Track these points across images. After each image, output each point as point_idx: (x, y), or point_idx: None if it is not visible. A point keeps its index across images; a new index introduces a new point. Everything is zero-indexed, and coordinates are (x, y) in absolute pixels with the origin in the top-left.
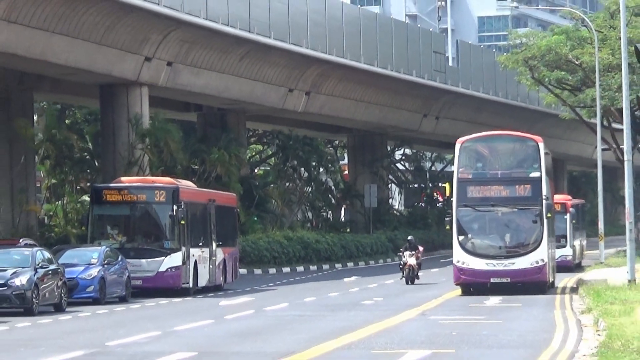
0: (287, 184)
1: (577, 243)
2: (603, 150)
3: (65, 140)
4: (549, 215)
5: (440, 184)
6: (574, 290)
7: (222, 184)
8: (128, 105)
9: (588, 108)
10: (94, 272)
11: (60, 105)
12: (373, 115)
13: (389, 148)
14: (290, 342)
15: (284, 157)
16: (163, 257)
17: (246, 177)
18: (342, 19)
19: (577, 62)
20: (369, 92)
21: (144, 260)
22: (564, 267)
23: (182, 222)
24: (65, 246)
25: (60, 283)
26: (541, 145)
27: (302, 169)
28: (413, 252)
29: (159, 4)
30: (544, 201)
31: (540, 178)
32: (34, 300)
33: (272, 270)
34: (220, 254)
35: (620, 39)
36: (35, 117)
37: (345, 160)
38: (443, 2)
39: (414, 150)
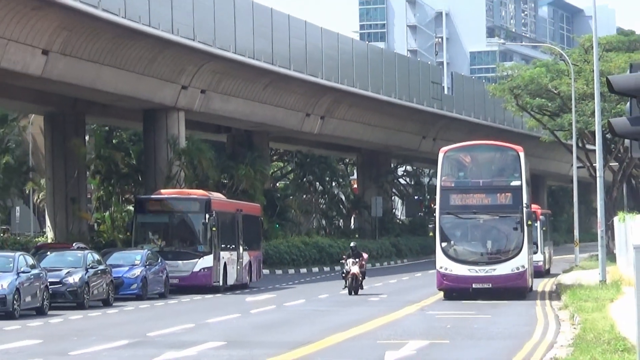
0: (304, 196)
1: (546, 250)
2: (578, 167)
3: (112, 158)
4: (529, 222)
5: None
6: (552, 293)
7: (248, 195)
8: (167, 128)
9: (565, 131)
10: (137, 272)
11: (108, 127)
12: (379, 137)
13: (392, 165)
14: (307, 333)
15: (301, 173)
16: (197, 259)
17: (269, 190)
18: (352, 53)
19: (555, 91)
20: (376, 117)
21: (180, 262)
22: (536, 272)
23: (214, 228)
24: (112, 249)
25: (108, 281)
26: (521, 155)
27: (317, 183)
28: (357, 260)
29: (194, 40)
30: (524, 209)
31: (521, 186)
32: (85, 296)
33: (291, 271)
34: (246, 257)
35: (593, 71)
36: (86, 138)
37: (355, 176)
38: (440, 39)
39: (414, 167)
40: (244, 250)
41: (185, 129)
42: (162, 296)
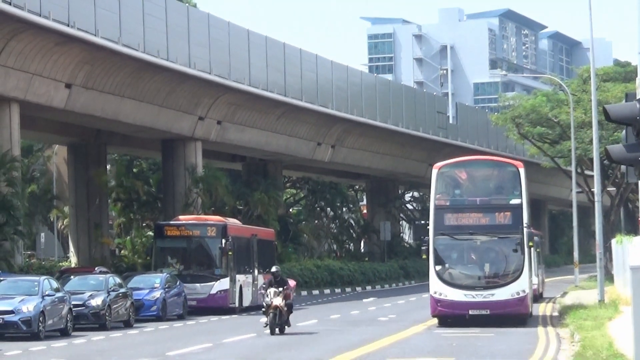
0: (316, 221)
1: (539, 272)
2: (577, 192)
3: (133, 186)
4: (530, 244)
5: None
6: (553, 317)
7: (263, 221)
8: (185, 157)
9: (565, 158)
10: (157, 294)
11: (129, 156)
12: (387, 164)
13: (400, 191)
14: (319, 351)
15: (313, 199)
16: (214, 282)
17: (282, 216)
18: (361, 84)
19: (555, 120)
20: (384, 145)
21: (198, 285)
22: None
23: (230, 252)
24: (133, 273)
25: (128, 303)
26: (522, 171)
27: (329, 208)
28: (280, 290)
29: (210, 73)
30: (524, 229)
31: (521, 205)
32: (107, 317)
33: (304, 293)
34: (261, 279)
35: (591, 101)
36: (108, 167)
37: (364, 202)
38: (445, 71)
39: (421, 193)
40: (259, 273)
41: (202, 158)
42: (180, 317)
